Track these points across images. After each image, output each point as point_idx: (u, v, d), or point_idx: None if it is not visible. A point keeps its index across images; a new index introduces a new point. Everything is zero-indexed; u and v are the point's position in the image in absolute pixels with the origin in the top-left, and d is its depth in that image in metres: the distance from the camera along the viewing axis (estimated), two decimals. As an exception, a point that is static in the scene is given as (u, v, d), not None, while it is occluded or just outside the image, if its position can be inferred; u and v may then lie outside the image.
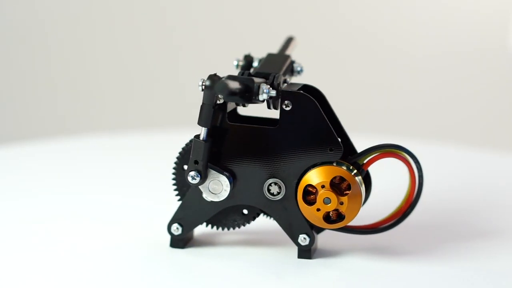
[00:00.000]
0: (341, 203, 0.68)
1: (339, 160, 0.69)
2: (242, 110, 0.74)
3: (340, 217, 0.69)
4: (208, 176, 0.70)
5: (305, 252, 0.71)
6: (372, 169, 0.71)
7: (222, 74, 0.68)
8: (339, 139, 0.70)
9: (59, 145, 1.17)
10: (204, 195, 0.70)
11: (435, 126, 1.90)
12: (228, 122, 0.70)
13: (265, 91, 0.67)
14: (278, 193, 0.70)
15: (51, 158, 1.09)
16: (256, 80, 0.68)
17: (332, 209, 0.69)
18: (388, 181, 0.85)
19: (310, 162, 0.69)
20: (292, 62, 0.77)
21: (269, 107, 0.70)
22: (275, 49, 0.79)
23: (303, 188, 0.69)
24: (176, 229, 0.72)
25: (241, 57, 0.77)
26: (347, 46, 1.91)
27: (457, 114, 1.89)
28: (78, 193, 0.91)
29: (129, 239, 0.74)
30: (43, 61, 1.96)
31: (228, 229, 0.73)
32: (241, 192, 0.70)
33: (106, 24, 1.95)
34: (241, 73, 0.70)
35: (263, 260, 0.70)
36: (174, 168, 0.72)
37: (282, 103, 0.69)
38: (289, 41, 0.81)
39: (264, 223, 0.75)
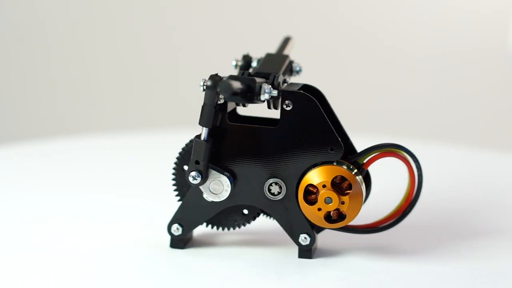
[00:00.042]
0: (342, 203, 0.68)
1: (339, 160, 0.69)
2: (241, 110, 0.74)
3: (341, 216, 0.69)
4: (209, 177, 0.70)
5: (306, 252, 0.71)
6: (372, 169, 0.71)
7: (222, 74, 0.68)
8: (339, 139, 0.70)
9: (59, 145, 1.17)
10: (204, 195, 0.70)
11: (435, 126, 1.90)
12: (228, 122, 0.70)
13: (266, 91, 0.68)
14: (279, 193, 0.70)
15: (51, 158, 1.09)
16: (258, 80, 0.68)
17: (333, 208, 0.69)
18: (388, 180, 0.85)
19: (311, 161, 0.69)
20: (291, 62, 0.77)
21: (269, 107, 0.70)
22: (274, 49, 0.79)
23: (304, 188, 0.69)
24: (176, 229, 0.72)
25: (239, 57, 0.77)
26: (347, 46, 1.91)
27: (457, 114, 1.89)
28: (78, 193, 0.91)
29: (129, 239, 0.74)
30: (43, 61, 1.96)
31: (229, 229, 0.73)
32: (241, 192, 0.70)
33: (106, 24, 1.95)
34: (241, 73, 0.70)
35: (263, 260, 0.70)
36: (174, 169, 0.72)
37: (282, 103, 0.69)
38: (286, 41, 0.81)
39: (264, 223, 0.75)
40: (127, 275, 0.67)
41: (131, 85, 1.96)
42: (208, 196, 0.70)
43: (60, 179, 0.98)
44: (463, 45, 1.88)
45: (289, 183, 0.70)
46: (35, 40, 1.96)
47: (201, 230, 0.75)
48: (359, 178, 0.69)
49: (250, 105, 0.71)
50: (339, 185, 0.69)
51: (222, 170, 0.70)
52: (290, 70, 0.77)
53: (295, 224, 0.70)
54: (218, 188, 0.70)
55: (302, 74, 0.78)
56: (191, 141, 0.71)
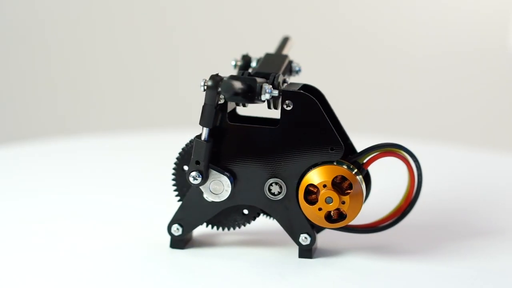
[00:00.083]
0: (343, 202, 0.68)
1: (339, 160, 0.69)
2: (241, 110, 0.74)
3: (341, 216, 0.69)
4: (209, 177, 0.69)
5: (306, 252, 0.71)
6: (372, 169, 0.71)
7: (221, 74, 0.68)
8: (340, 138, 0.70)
9: (59, 145, 1.17)
10: (205, 196, 0.70)
11: (435, 126, 1.90)
12: (229, 122, 0.70)
13: (267, 91, 0.68)
14: (279, 193, 0.70)
15: (51, 158, 1.09)
16: (258, 80, 0.68)
17: (334, 208, 0.69)
18: (388, 180, 0.85)
19: (311, 161, 0.69)
20: (290, 62, 0.77)
21: (269, 107, 0.70)
22: (273, 49, 0.79)
23: (304, 187, 0.69)
24: (176, 229, 0.72)
25: (239, 57, 0.77)
26: (347, 46, 1.91)
27: (457, 114, 1.89)
28: (78, 193, 0.91)
29: (129, 239, 0.74)
30: (43, 61, 1.96)
31: (229, 229, 0.73)
32: (242, 192, 0.70)
33: (106, 24, 1.95)
34: (241, 73, 0.70)
35: (263, 260, 0.70)
36: (174, 169, 0.72)
37: (283, 102, 0.69)
38: (285, 41, 0.81)
39: (264, 223, 0.75)
40: (127, 275, 0.67)
41: (131, 85, 1.96)
42: (208, 196, 0.70)
43: (60, 179, 0.98)
44: (463, 45, 1.88)
45: (289, 183, 0.70)
46: (35, 40, 1.96)
47: (201, 230, 0.75)
48: (360, 177, 0.69)
49: (250, 105, 0.71)
50: (340, 185, 0.69)
51: (222, 170, 0.70)
52: (290, 70, 0.77)
53: (296, 224, 0.70)
54: (218, 188, 0.70)
55: (301, 74, 0.78)
56: (191, 141, 0.71)
